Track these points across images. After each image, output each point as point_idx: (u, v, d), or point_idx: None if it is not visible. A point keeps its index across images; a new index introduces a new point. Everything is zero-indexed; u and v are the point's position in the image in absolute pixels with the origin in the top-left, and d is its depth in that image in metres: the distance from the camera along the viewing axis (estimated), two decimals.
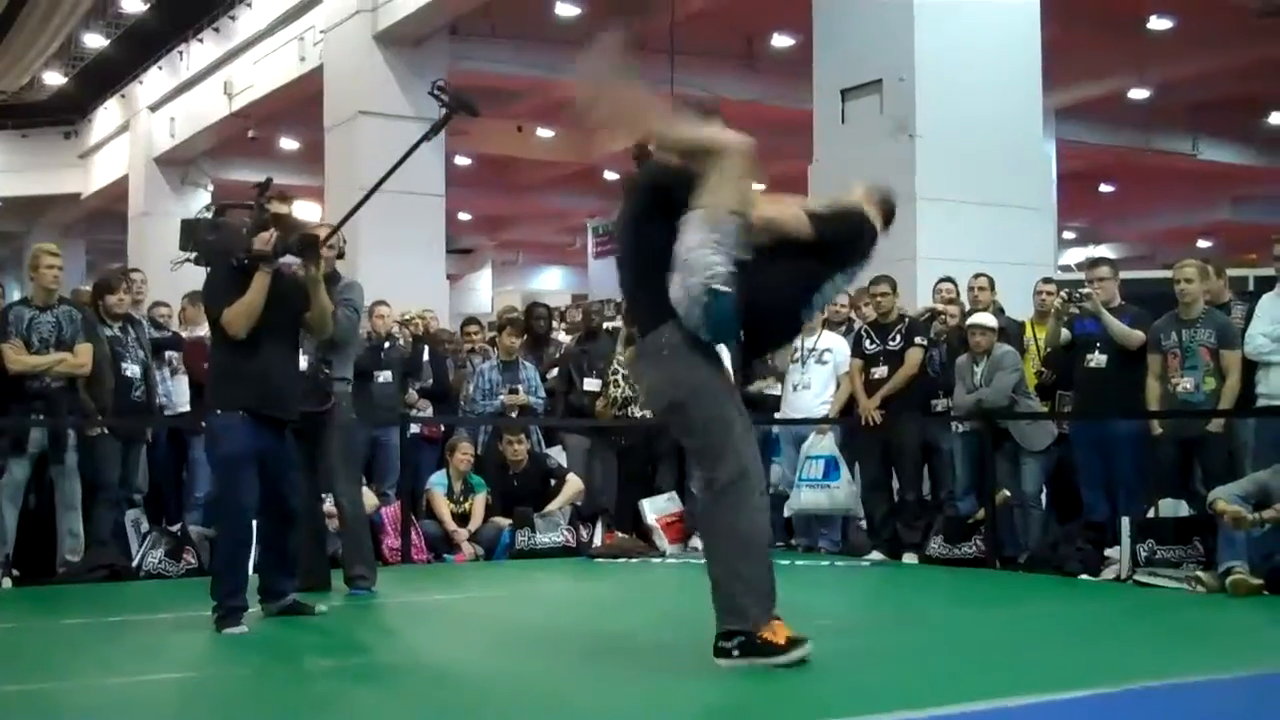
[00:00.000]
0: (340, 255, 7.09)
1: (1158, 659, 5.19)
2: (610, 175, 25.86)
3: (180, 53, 23.88)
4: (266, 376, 5.90)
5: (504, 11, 17.68)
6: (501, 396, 9.73)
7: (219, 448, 5.91)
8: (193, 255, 6.01)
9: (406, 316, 11.12)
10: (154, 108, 25.34)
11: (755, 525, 4.61)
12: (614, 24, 4.69)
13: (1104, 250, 29.04)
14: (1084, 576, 7.62)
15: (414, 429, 9.62)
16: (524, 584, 7.98)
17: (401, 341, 10.25)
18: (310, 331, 6.34)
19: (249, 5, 21.26)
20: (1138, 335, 8.01)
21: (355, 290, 7.14)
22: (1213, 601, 6.58)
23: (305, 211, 6.13)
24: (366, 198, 6.40)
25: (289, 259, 6.00)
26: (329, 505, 7.37)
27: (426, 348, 10.51)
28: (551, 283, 36.89)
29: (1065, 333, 8.45)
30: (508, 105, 22.32)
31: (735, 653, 4.50)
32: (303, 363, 6.64)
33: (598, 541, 9.30)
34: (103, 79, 26.48)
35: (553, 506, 9.33)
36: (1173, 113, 22.18)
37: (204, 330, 9.12)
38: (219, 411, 5.90)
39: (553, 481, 9.51)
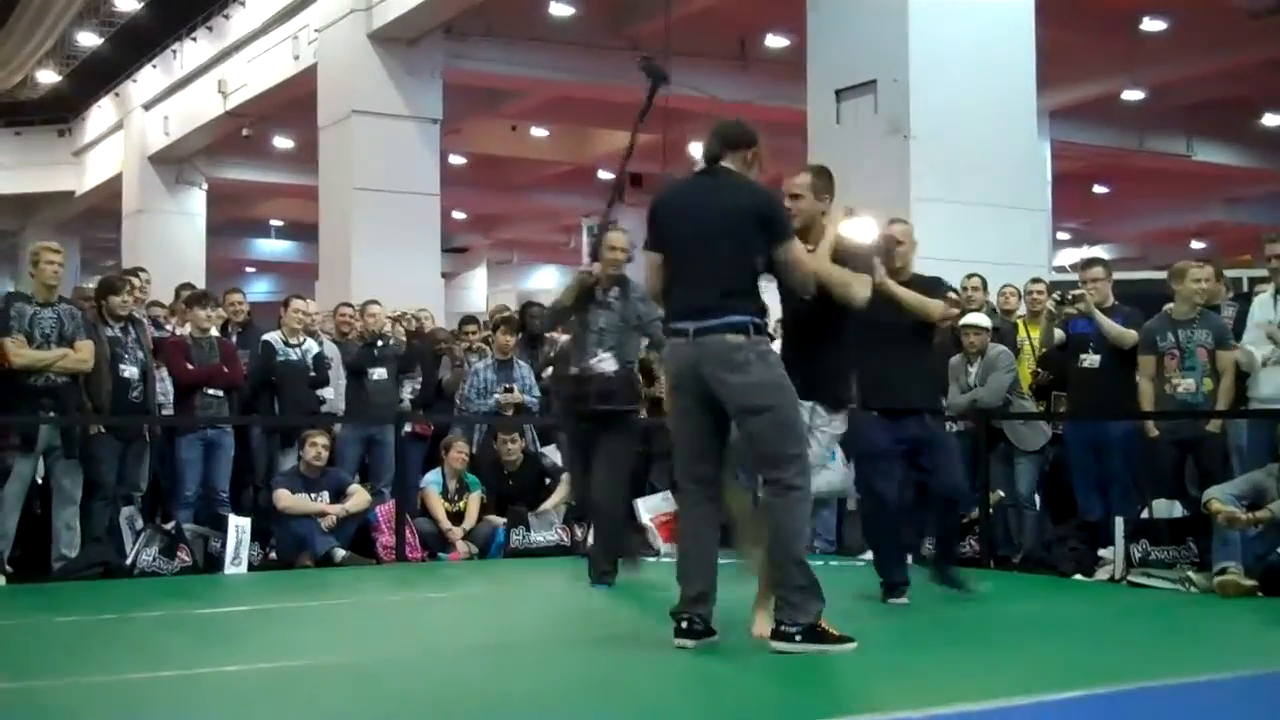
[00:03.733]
0: (629, 259, 7.18)
1: (1152, 659, 5.19)
2: (604, 175, 25.85)
3: (174, 51, 23.85)
4: (879, 375, 6.31)
5: (499, 11, 17.69)
6: (496, 395, 9.72)
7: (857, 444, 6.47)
8: None
9: (398, 313, 11.06)
10: (148, 106, 25.30)
11: (807, 524, 5.07)
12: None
13: (1098, 251, 29.10)
14: (1078, 577, 7.63)
15: (406, 427, 9.61)
16: (517, 583, 7.98)
17: (393, 341, 10.24)
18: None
19: (243, 4, 21.24)
20: (1131, 335, 8.01)
21: (650, 303, 6.83)
22: (1206, 602, 6.60)
23: (858, 227, 6.37)
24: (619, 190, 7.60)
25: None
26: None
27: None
28: (546, 282, 36.84)
29: (1059, 333, 8.46)
30: (502, 104, 22.34)
31: (798, 638, 4.75)
32: (612, 364, 7.11)
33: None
34: (97, 77, 26.49)
35: (547, 505, 9.32)
36: (1167, 114, 22.21)
37: (185, 329, 9.13)
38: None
39: (548, 480, 9.51)
